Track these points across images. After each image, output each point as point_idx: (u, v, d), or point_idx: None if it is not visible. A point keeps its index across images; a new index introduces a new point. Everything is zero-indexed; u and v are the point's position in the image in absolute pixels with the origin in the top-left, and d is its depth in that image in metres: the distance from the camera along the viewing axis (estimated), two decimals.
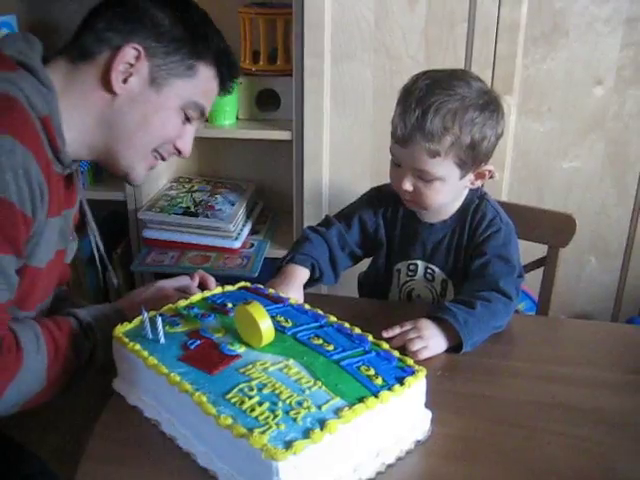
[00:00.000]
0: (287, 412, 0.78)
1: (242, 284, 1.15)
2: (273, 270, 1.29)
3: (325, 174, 1.93)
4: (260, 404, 0.80)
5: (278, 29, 1.97)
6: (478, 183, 1.27)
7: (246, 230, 2.05)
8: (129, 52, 1.03)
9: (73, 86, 1.04)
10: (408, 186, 1.21)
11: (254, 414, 0.78)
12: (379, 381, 0.86)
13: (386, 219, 1.36)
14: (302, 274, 1.26)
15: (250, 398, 0.81)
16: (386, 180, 1.30)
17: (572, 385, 1.05)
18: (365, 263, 1.44)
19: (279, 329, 0.96)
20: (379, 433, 0.84)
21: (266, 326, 0.91)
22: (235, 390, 0.82)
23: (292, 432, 0.75)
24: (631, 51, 1.75)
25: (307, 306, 1.06)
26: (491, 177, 1.26)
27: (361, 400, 0.81)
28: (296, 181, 1.95)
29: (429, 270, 1.34)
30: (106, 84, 1.04)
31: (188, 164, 2.25)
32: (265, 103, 2.05)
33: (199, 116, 1.13)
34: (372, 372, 0.87)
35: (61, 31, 2.06)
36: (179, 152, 1.15)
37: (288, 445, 0.73)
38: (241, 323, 0.94)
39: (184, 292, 1.20)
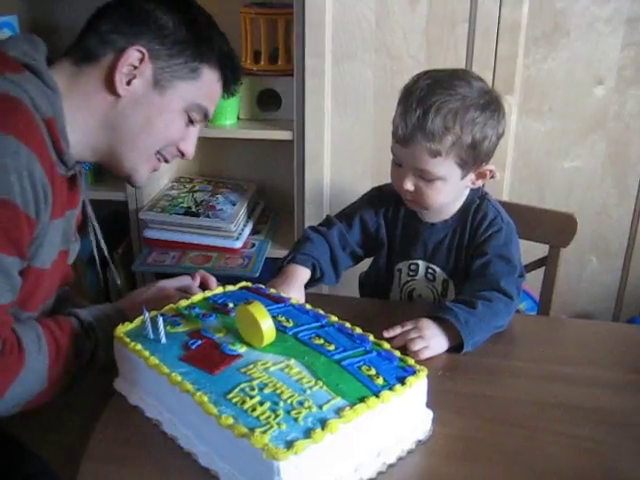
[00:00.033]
0: (288, 412, 0.78)
1: (243, 284, 1.15)
2: (274, 270, 1.29)
3: (326, 174, 1.93)
4: (261, 404, 0.80)
5: (279, 29, 1.97)
6: (479, 183, 1.27)
7: (247, 230, 2.05)
8: (133, 54, 1.03)
9: (77, 88, 1.05)
10: (409, 186, 1.21)
11: (255, 414, 0.78)
12: (380, 381, 0.86)
13: (387, 219, 1.36)
14: (303, 274, 1.26)
15: (251, 398, 0.81)
16: (387, 180, 1.30)
17: (573, 385, 1.05)
18: (366, 263, 1.44)
19: (280, 329, 0.96)
20: (380, 433, 0.84)
21: (267, 326, 0.91)
22: (236, 390, 0.82)
23: (293, 432, 0.76)
24: (632, 51, 1.74)
25: (308, 306, 1.06)
26: (492, 177, 1.26)
27: (362, 400, 0.81)
28: (297, 181, 1.95)
29: (430, 270, 1.34)
30: (110, 86, 1.04)
31: (189, 164, 2.25)
32: (266, 103, 2.05)
33: (202, 118, 1.14)
34: (373, 372, 0.87)
35: (62, 31, 2.07)
36: (182, 154, 1.15)
37: (289, 445, 0.73)
38: (242, 323, 0.94)
39: (185, 292, 1.20)
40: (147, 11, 1.06)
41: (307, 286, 1.27)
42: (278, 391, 0.82)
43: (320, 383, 0.85)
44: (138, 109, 1.06)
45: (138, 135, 1.08)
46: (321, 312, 1.04)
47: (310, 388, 0.83)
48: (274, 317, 0.96)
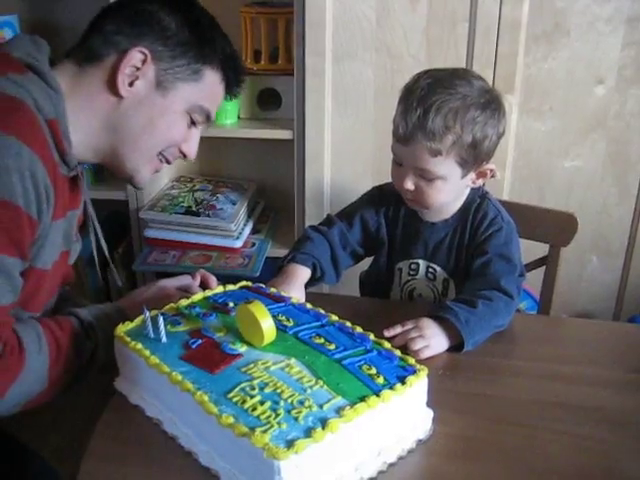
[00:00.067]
0: (289, 411, 0.78)
1: (243, 283, 1.15)
2: (274, 269, 1.29)
3: (326, 173, 1.93)
4: (262, 403, 0.80)
5: (279, 28, 1.97)
6: (479, 182, 1.27)
7: (247, 229, 2.05)
8: (136, 56, 1.03)
9: (80, 89, 1.05)
10: (410, 185, 1.21)
11: (256, 413, 0.78)
12: (381, 380, 0.86)
13: (388, 218, 1.36)
14: (303, 273, 1.26)
15: (252, 397, 0.81)
16: (388, 179, 1.30)
17: (574, 384, 1.05)
18: (366, 262, 1.44)
19: (280, 328, 0.96)
20: (381, 432, 0.84)
21: (267, 325, 0.91)
22: (237, 389, 0.82)
23: (294, 431, 0.76)
24: (632, 50, 1.74)
25: (308, 305, 1.06)
26: (492, 176, 1.26)
27: (363, 399, 0.81)
28: (297, 180, 1.95)
29: (430, 269, 1.34)
30: (112, 87, 1.04)
31: (189, 163, 2.24)
32: (266, 102, 2.05)
33: (205, 120, 1.14)
34: (374, 371, 0.87)
35: (62, 31, 2.07)
36: (184, 156, 1.16)
37: (290, 444, 0.73)
38: (242, 322, 0.94)
39: (185, 291, 1.20)
40: (150, 12, 1.06)
41: (307, 285, 1.27)
42: (278, 390, 0.82)
43: (320, 382, 0.85)
44: (140, 110, 1.06)
45: (140, 136, 1.08)
46: (321, 311, 1.04)
47: (310, 387, 0.83)
48: (274, 316, 0.96)
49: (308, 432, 0.75)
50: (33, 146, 0.92)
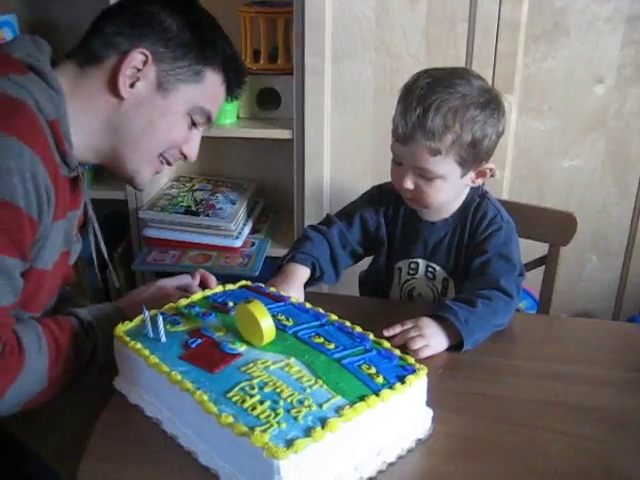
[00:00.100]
0: (288, 411, 0.78)
1: (243, 283, 1.15)
2: (274, 269, 1.29)
3: (326, 173, 1.93)
4: (261, 403, 0.80)
5: (279, 28, 1.97)
6: (479, 181, 1.27)
7: (247, 229, 2.05)
8: (137, 57, 1.03)
9: (81, 90, 1.05)
10: (409, 184, 1.21)
11: (255, 413, 0.78)
12: (380, 379, 0.86)
13: (387, 217, 1.36)
14: (303, 273, 1.26)
15: (251, 397, 0.81)
16: (387, 179, 1.30)
17: (573, 384, 1.05)
18: (366, 262, 1.44)
19: (280, 328, 0.96)
20: (380, 431, 0.84)
21: (267, 325, 0.91)
22: (236, 389, 0.82)
23: (293, 431, 0.76)
24: (632, 50, 1.74)
25: (308, 305, 1.06)
26: (492, 175, 1.26)
27: (362, 398, 0.81)
28: (297, 180, 1.95)
29: (430, 269, 1.34)
30: (113, 88, 1.04)
31: (189, 163, 2.24)
32: (266, 102, 2.05)
33: (205, 121, 1.13)
34: (373, 370, 0.87)
35: (61, 30, 2.07)
36: (185, 157, 1.15)
37: (289, 444, 0.73)
38: (242, 322, 0.94)
39: (185, 291, 1.20)
40: (151, 14, 1.06)
41: (307, 285, 1.26)
42: (278, 390, 0.82)
43: (320, 382, 0.84)
44: (141, 111, 1.06)
45: (141, 137, 1.08)
46: (321, 311, 1.04)
47: (310, 387, 0.83)
48: (274, 316, 0.96)
49: (308, 431, 0.75)
50: (34, 147, 0.92)
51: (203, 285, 1.23)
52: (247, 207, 2.09)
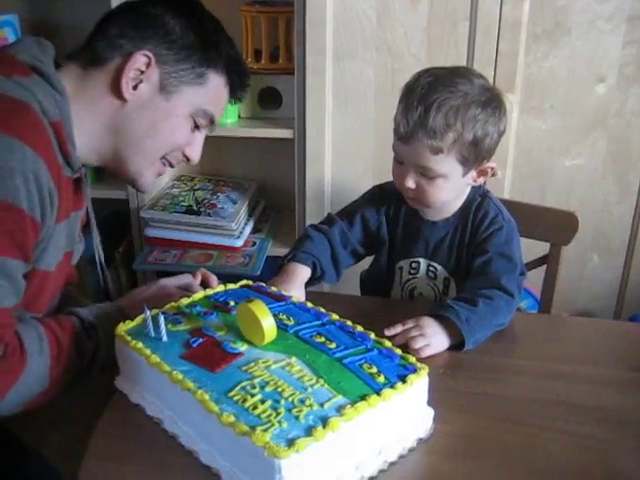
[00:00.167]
0: (289, 410, 0.78)
1: (244, 282, 1.15)
2: (275, 268, 1.29)
3: (327, 172, 1.93)
4: (262, 402, 0.80)
5: (280, 27, 1.96)
6: (480, 180, 1.27)
7: (248, 228, 2.05)
8: (140, 59, 1.03)
9: (84, 91, 1.05)
10: (411, 183, 1.21)
11: (256, 412, 0.78)
12: (381, 379, 0.86)
13: (388, 217, 1.36)
14: (303, 272, 1.26)
15: (252, 396, 0.81)
16: (388, 178, 1.30)
17: (574, 383, 1.05)
18: (367, 261, 1.44)
19: (281, 327, 0.96)
20: (381, 431, 0.84)
21: (268, 324, 0.91)
22: (237, 388, 0.82)
23: (294, 430, 0.76)
24: (633, 49, 1.74)
25: (309, 304, 1.06)
26: (493, 174, 1.26)
27: (363, 398, 0.81)
28: (298, 179, 1.95)
29: (431, 268, 1.34)
30: (116, 90, 1.04)
31: (191, 164, 2.25)
32: (267, 101, 2.05)
33: (208, 124, 1.13)
34: (374, 370, 0.87)
35: (62, 30, 2.07)
36: (187, 159, 1.15)
37: (290, 443, 0.73)
38: (243, 321, 0.94)
39: (186, 290, 1.20)
40: (155, 16, 1.06)
41: (308, 284, 1.26)
42: (279, 389, 0.82)
43: (321, 381, 0.84)
44: (144, 114, 1.06)
45: (144, 139, 1.08)
46: (322, 310, 1.04)
47: (311, 386, 0.83)
48: (275, 315, 0.96)
49: (309, 431, 0.75)
50: (37, 148, 0.92)
51: (204, 284, 1.23)
52: (248, 206, 2.09)
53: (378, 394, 0.82)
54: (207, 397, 0.81)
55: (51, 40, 1.07)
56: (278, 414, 0.78)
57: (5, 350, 0.93)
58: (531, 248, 1.48)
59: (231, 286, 1.13)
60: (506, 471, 0.87)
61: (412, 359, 0.91)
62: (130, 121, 1.06)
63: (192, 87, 1.08)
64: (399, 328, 1.12)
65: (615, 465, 0.88)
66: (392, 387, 0.84)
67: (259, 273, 1.90)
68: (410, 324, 1.12)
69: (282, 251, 1.87)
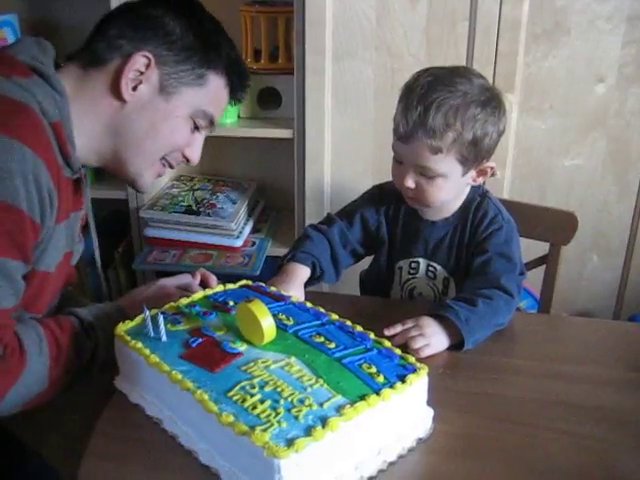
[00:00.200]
0: (289, 410, 0.78)
1: (243, 282, 1.15)
2: (274, 268, 1.29)
3: (327, 172, 1.93)
4: (262, 402, 0.80)
5: (279, 27, 1.96)
6: (480, 180, 1.27)
7: (247, 228, 2.05)
8: (139, 60, 1.03)
9: (83, 92, 1.05)
10: (410, 183, 1.21)
11: (256, 412, 0.78)
12: (381, 379, 0.86)
13: (388, 217, 1.36)
14: (303, 272, 1.26)
15: (252, 396, 0.81)
16: (388, 178, 1.30)
17: (574, 383, 1.05)
18: (367, 261, 1.44)
19: (281, 327, 0.96)
20: (381, 431, 0.84)
21: (268, 324, 0.91)
22: (237, 388, 0.82)
23: (294, 430, 0.76)
24: (633, 49, 1.74)
25: (309, 304, 1.06)
26: (493, 174, 1.26)
27: (363, 398, 0.81)
28: (297, 179, 1.95)
29: (431, 268, 1.34)
30: (116, 91, 1.04)
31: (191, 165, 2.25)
32: (266, 101, 2.05)
33: (208, 125, 1.13)
34: (374, 370, 0.87)
35: (62, 30, 2.07)
36: (187, 160, 1.15)
37: (290, 443, 0.73)
38: (243, 321, 0.94)
39: (186, 290, 1.20)
40: (155, 17, 1.06)
41: (307, 284, 1.26)
42: (279, 389, 0.82)
43: (321, 381, 0.84)
44: (143, 114, 1.06)
45: (143, 140, 1.08)
46: (322, 310, 1.04)
47: (311, 386, 0.83)
48: (274, 315, 0.96)
49: (308, 431, 0.75)
50: (37, 149, 0.92)
51: (204, 284, 1.23)
52: (248, 206, 2.09)
53: (377, 394, 0.82)
54: (206, 397, 0.81)
55: (51, 40, 1.07)
56: (277, 414, 0.78)
57: (4, 351, 0.92)
58: (530, 248, 1.48)
59: (230, 286, 1.13)
60: (505, 471, 0.87)
61: (411, 359, 0.91)
62: (130, 122, 1.06)
63: (192, 88, 1.08)
64: (398, 328, 1.12)
65: (614, 465, 0.88)
66: (391, 387, 0.84)
67: (258, 273, 1.90)
68: (410, 324, 1.12)
69: (281, 251, 1.87)
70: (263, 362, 0.88)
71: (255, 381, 0.84)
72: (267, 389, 0.82)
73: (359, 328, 0.99)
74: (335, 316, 1.02)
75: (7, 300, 0.93)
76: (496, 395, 1.02)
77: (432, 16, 1.75)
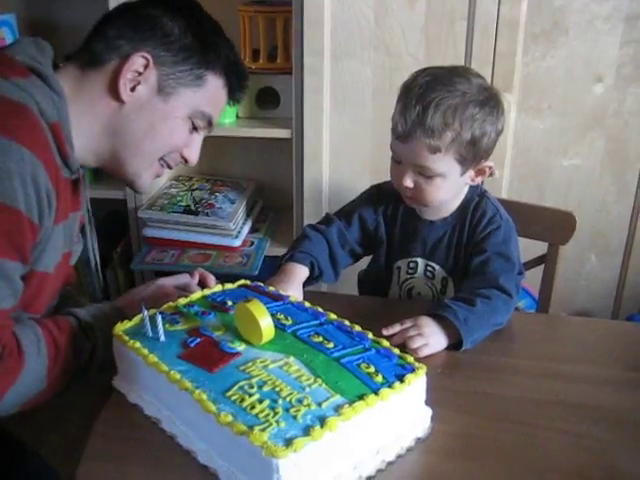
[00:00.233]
0: (287, 409, 0.78)
1: (242, 282, 1.15)
2: (273, 268, 1.29)
3: (325, 172, 1.93)
4: (260, 402, 0.80)
5: (278, 27, 1.97)
6: (478, 180, 1.27)
7: (246, 228, 2.05)
8: (138, 60, 1.03)
9: (82, 93, 1.05)
10: (409, 183, 1.21)
11: (254, 412, 0.78)
12: (379, 378, 0.86)
13: (386, 217, 1.36)
14: (301, 272, 1.26)
15: (250, 396, 0.81)
16: (386, 178, 1.30)
17: (572, 382, 1.05)
18: (365, 261, 1.44)
19: (279, 327, 0.96)
20: (379, 430, 0.84)
21: (266, 324, 0.91)
22: (235, 388, 0.82)
23: (292, 429, 0.75)
24: (631, 49, 1.74)
25: (307, 304, 1.06)
26: (491, 174, 1.26)
27: (361, 397, 0.81)
28: (296, 179, 1.95)
29: (429, 268, 1.34)
30: (114, 92, 1.04)
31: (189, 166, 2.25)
32: (265, 101, 2.05)
33: (206, 125, 1.13)
34: (372, 369, 0.87)
35: (61, 30, 2.07)
36: (186, 161, 1.15)
37: (288, 442, 0.73)
38: (241, 321, 0.94)
39: (184, 290, 1.20)
40: (153, 17, 1.05)
41: (306, 284, 1.26)
42: (277, 389, 0.82)
43: (319, 381, 0.84)
44: (142, 115, 1.06)
45: (142, 141, 1.08)
46: (320, 310, 1.04)
47: (309, 386, 0.83)
48: (273, 315, 0.96)
49: (307, 430, 0.75)
50: (35, 150, 0.92)
51: (202, 284, 1.23)
52: (246, 206, 2.09)
53: (376, 394, 0.82)
54: (205, 397, 0.81)
55: (49, 40, 1.07)
56: (276, 414, 0.77)
57: (3, 351, 0.92)
58: (529, 248, 1.48)
59: (229, 286, 1.13)
60: (504, 471, 0.87)
61: (410, 359, 0.91)
62: (128, 122, 1.06)
63: (190, 89, 1.08)
64: (397, 328, 1.12)
65: (613, 464, 0.88)
66: (390, 387, 0.84)
67: (257, 273, 1.90)
68: (408, 324, 1.12)
69: (280, 251, 1.87)
70: (261, 362, 0.88)
71: (253, 381, 0.83)
72: (265, 389, 0.82)
73: (357, 328, 0.98)
74: (333, 316, 1.02)
75: (5, 301, 0.93)
76: (495, 395, 1.02)
77: (430, 16, 1.75)
